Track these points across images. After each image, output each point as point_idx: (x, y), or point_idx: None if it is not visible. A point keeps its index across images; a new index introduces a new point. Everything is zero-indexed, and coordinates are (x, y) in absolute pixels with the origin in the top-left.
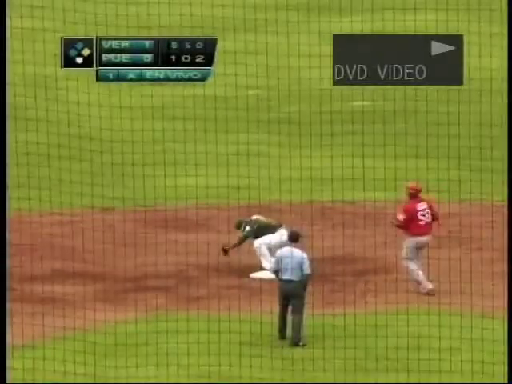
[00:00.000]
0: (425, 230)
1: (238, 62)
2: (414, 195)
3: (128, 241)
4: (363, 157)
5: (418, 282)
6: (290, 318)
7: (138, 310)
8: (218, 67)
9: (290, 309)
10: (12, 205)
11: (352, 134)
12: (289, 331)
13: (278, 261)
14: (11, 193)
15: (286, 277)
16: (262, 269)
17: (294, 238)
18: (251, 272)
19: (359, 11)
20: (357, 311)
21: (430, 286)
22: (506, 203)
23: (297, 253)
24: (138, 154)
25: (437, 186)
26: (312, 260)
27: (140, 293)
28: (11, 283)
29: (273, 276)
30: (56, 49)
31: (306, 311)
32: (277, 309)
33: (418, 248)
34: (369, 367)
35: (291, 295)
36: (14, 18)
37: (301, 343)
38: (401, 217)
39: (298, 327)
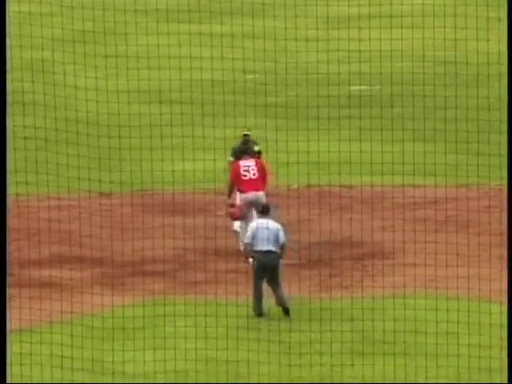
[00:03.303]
0: (248, 186)
1: (235, 45)
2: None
3: (125, 225)
4: (360, 141)
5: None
6: (267, 291)
7: (136, 294)
8: (215, 51)
9: (265, 282)
10: (9, 189)
11: (349, 118)
12: (266, 306)
13: (254, 233)
14: (9, 177)
15: (264, 248)
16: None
17: (265, 211)
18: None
19: None
20: (354, 295)
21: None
22: (503, 187)
23: (272, 224)
24: (136, 138)
25: (434, 170)
26: (286, 230)
27: (137, 277)
28: (10, 268)
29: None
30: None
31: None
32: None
33: (250, 205)
34: (366, 350)
35: (271, 266)
36: (11, 2)
37: (290, 307)
38: (229, 175)
39: (282, 298)
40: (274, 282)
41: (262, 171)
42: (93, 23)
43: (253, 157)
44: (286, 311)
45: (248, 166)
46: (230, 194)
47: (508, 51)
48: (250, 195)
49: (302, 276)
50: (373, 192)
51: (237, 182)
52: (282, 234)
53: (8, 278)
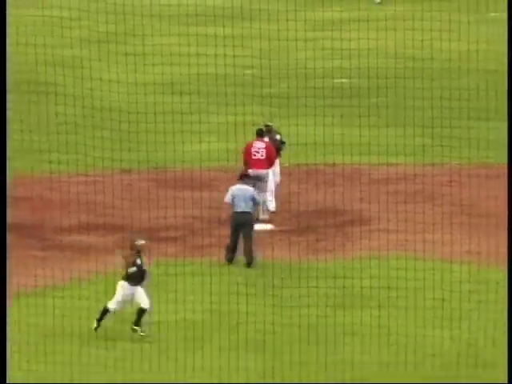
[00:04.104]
0: (255, 164)
1: (235, 45)
2: (257, 136)
3: (143, 197)
4: (342, 126)
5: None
6: (241, 244)
7: (151, 256)
8: (219, 50)
9: (241, 236)
10: (44, 167)
11: (332, 106)
12: (239, 255)
13: (233, 195)
14: (43, 157)
15: (240, 209)
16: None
17: (240, 177)
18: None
19: (338, 1)
20: (336, 257)
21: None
22: (462, 165)
23: (248, 189)
24: (151, 123)
25: (404, 150)
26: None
27: (153, 241)
28: (45, 234)
29: (269, 227)
30: (81, 34)
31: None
32: (269, 253)
33: (257, 179)
34: (346, 304)
35: (244, 224)
36: (45, 8)
37: (252, 265)
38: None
39: (250, 251)
40: (247, 237)
41: (269, 153)
42: (115, 26)
43: (263, 140)
44: (248, 263)
45: (258, 148)
46: (246, 168)
47: (508, 51)
48: (253, 172)
49: (291, 241)
50: (352, 169)
51: (247, 160)
52: (256, 197)
53: (7, 280)
